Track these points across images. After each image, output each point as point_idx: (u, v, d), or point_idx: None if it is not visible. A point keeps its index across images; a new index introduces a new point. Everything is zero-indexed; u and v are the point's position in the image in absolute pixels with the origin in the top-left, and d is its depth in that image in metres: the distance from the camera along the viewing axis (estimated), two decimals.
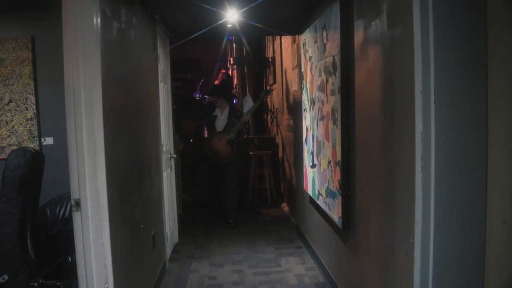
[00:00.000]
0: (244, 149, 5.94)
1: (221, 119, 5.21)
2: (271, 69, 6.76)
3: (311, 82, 3.62)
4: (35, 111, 3.50)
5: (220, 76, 8.96)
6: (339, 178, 2.81)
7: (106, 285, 2.16)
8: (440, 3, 1.64)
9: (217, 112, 5.28)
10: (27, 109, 3.49)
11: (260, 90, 7.10)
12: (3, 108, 3.48)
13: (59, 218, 3.19)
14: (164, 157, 3.93)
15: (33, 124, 3.50)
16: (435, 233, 1.67)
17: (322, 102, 3.22)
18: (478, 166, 1.66)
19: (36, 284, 2.49)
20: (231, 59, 9.32)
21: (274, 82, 6.47)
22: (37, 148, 3.42)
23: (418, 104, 1.68)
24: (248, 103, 5.33)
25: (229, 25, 4.07)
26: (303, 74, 3.99)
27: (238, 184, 5.57)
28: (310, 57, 3.63)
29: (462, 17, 1.64)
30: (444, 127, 1.65)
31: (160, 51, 3.86)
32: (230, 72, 9.69)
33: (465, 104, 1.65)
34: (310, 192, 3.82)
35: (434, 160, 1.65)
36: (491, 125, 1.64)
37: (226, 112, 5.24)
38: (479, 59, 1.64)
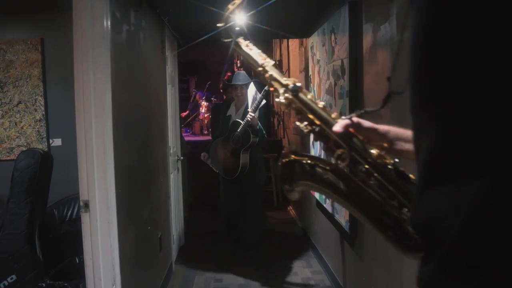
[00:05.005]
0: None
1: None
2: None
3: (319, 86, 3.61)
4: (43, 113, 3.52)
5: (226, 78, 8.99)
6: None
7: (114, 286, 2.16)
8: None
9: (231, 111, 3.93)
10: (36, 110, 3.51)
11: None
12: (13, 109, 3.51)
13: (67, 219, 3.21)
14: (171, 159, 3.94)
15: (41, 125, 3.52)
16: None
17: (330, 105, 3.21)
18: None
19: (44, 285, 2.50)
20: (238, 61, 9.35)
21: None
22: (46, 149, 3.44)
23: None
24: (251, 95, 3.76)
25: (237, 28, 4.08)
26: (311, 77, 3.98)
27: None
28: (318, 60, 3.63)
29: None
30: None
31: (168, 53, 3.87)
32: None
33: None
34: (317, 195, 3.81)
35: None
36: None
37: (241, 111, 3.84)
38: None
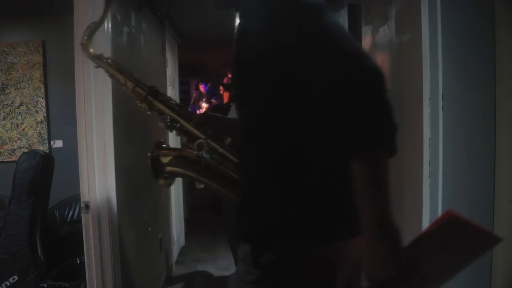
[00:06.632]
0: None
1: None
2: None
3: None
4: (45, 114, 3.54)
5: (225, 81, 8.99)
6: None
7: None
8: (449, 9, 1.64)
9: (231, 113, 3.88)
10: (37, 112, 3.53)
11: None
12: (14, 111, 3.53)
13: (68, 220, 3.22)
14: None
15: (43, 127, 3.54)
16: None
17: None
18: (486, 172, 1.66)
19: (45, 285, 2.52)
20: None
21: None
22: (47, 151, 3.46)
23: (426, 110, 1.68)
24: None
25: None
26: None
27: None
28: None
29: (470, 24, 1.65)
30: (452, 133, 1.65)
31: (168, 55, 3.89)
32: None
33: (474, 110, 1.66)
34: None
35: (442, 166, 1.66)
36: (498, 131, 1.64)
37: None
38: (487, 65, 1.65)
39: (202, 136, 1.19)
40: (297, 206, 0.95)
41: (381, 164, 0.87)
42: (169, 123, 1.25)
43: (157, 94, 1.28)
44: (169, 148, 1.29)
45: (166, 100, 1.27)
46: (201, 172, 1.19)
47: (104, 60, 1.38)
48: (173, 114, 1.25)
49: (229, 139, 1.18)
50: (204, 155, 1.19)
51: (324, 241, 0.96)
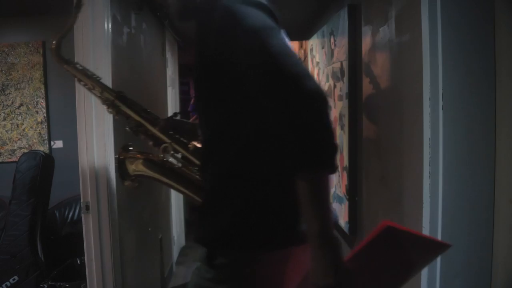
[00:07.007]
0: None
1: None
2: None
3: None
4: (45, 115, 3.54)
5: None
6: (346, 183, 2.81)
7: None
8: (449, 9, 1.65)
9: None
10: (37, 112, 3.54)
11: None
12: (14, 112, 3.53)
13: (68, 220, 3.22)
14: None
15: (43, 128, 3.54)
16: (442, 239, 1.67)
17: (330, 107, 3.23)
18: (486, 172, 1.66)
19: (45, 286, 2.52)
20: None
21: None
22: (47, 151, 3.46)
23: (426, 110, 1.68)
24: None
25: None
26: None
27: None
28: (318, 63, 3.65)
29: (470, 24, 1.65)
30: (452, 133, 1.65)
31: (168, 55, 3.89)
32: None
33: (474, 110, 1.66)
34: None
35: (442, 166, 1.66)
36: (499, 131, 1.64)
37: None
38: (487, 65, 1.65)
39: (168, 140, 1.25)
40: (248, 215, 1.03)
41: (321, 182, 0.94)
42: (135, 128, 1.30)
43: (125, 99, 1.32)
44: (136, 151, 1.33)
45: (133, 105, 1.30)
46: (166, 174, 1.25)
47: (72, 65, 1.39)
48: (139, 119, 1.29)
49: (193, 143, 1.23)
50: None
51: (272, 248, 1.03)
